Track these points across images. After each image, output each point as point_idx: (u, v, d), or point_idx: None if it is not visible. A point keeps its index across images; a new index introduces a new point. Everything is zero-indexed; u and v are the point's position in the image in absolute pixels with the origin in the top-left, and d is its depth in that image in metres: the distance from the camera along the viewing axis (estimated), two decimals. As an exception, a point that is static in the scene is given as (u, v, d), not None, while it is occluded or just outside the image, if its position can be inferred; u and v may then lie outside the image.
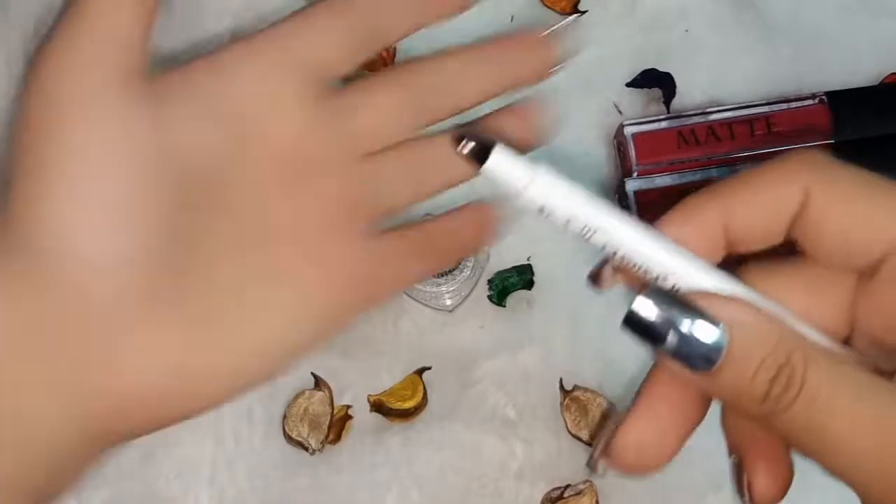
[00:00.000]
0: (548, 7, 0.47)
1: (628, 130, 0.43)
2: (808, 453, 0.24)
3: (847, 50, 0.46)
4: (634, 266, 0.26)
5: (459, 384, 0.44)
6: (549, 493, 0.43)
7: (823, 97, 0.44)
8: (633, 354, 0.45)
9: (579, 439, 0.43)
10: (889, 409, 0.24)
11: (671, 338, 0.24)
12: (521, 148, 0.29)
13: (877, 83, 0.46)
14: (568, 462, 0.43)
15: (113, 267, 0.27)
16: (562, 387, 0.44)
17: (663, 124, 0.44)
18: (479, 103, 0.33)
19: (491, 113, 0.34)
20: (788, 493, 0.27)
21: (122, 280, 0.27)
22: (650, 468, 0.27)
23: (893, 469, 0.23)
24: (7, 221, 0.27)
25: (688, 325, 0.24)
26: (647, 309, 0.25)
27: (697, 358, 0.24)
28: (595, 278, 0.28)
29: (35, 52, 0.28)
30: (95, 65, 0.28)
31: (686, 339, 0.24)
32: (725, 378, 0.24)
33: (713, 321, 0.24)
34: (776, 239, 0.27)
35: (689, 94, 0.46)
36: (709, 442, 0.45)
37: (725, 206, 0.26)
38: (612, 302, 0.45)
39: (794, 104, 0.44)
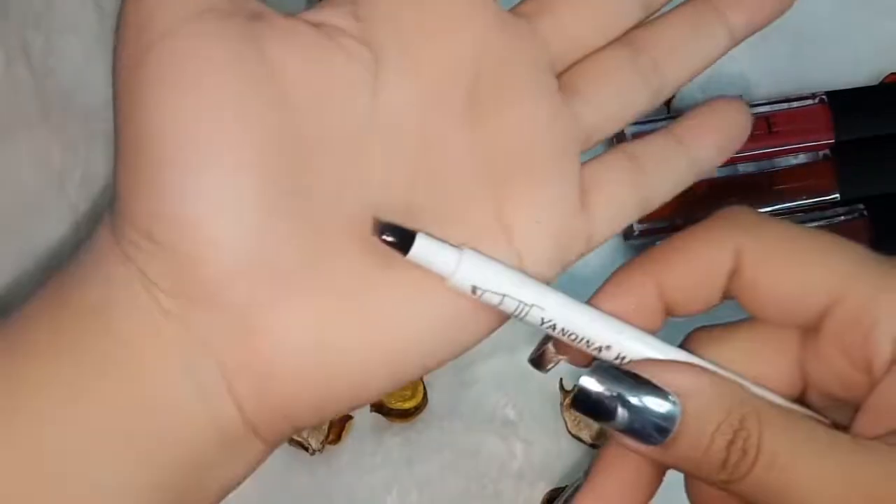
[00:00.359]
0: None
1: (628, 131, 0.43)
2: None
3: (847, 50, 0.46)
4: (575, 338, 0.26)
5: (459, 384, 0.44)
6: (549, 493, 0.43)
7: (823, 97, 0.44)
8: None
9: (580, 440, 0.43)
10: (851, 461, 0.23)
11: (621, 413, 0.24)
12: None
13: (877, 83, 0.46)
14: (568, 463, 0.43)
15: (238, 240, 0.24)
16: (562, 387, 0.44)
17: (663, 125, 0.44)
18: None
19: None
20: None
21: (250, 253, 0.24)
22: None
23: None
24: (122, 197, 0.25)
25: (637, 399, 0.24)
26: (593, 385, 0.24)
27: (650, 431, 0.24)
28: (537, 360, 0.27)
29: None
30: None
31: (636, 413, 0.24)
32: (681, 448, 0.24)
33: (662, 391, 0.24)
34: (713, 300, 0.26)
35: (689, 94, 0.46)
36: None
37: (657, 275, 0.26)
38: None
39: (794, 104, 0.44)
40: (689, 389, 0.24)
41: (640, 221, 0.44)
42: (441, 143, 0.27)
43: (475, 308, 0.26)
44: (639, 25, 0.30)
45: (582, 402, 0.24)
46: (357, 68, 0.26)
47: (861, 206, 0.43)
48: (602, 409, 0.24)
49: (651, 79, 0.30)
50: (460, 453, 0.43)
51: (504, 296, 0.25)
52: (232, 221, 0.24)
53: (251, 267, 0.24)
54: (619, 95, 0.29)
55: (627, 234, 0.44)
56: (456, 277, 0.25)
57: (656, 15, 0.30)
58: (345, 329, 0.25)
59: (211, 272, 0.24)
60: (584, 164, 0.29)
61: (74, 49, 0.46)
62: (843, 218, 0.43)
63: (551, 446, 0.43)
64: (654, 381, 0.24)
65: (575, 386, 0.24)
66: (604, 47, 0.29)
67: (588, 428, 0.43)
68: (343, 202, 0.26)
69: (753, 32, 0.31)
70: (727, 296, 0.27)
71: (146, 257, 0.24)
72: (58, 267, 0.46)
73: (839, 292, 0.25)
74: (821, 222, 0.43)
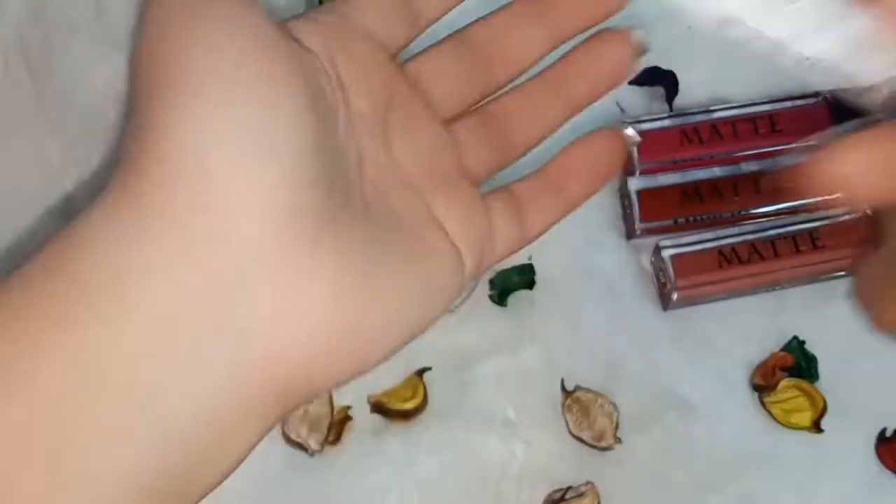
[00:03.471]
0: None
1: (631, 132, 0.43)
2: None
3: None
4: None
5: (459, 384, 0.44)
6: (550, 494, 0.43)
7: (827, 95, 0.43)
8: (636, 354, 0.44)
9: (581, 440, 0.43)
10: None
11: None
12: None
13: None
14: (570, 464, 0.43)
15: (262, 206, 0.23)
16: (563, 387, 0.43)
17: (666, 122, 0.44)
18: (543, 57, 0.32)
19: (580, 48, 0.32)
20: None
21: (269, 221, 0.23)
22: None
23: None
24: (137, 153, 0.24)
25: None
26: None
27: None
28: None
29: None
30: None
31: None
32: None
33: None
34: None
35: (692, 92, 0.46)
36: (709, 442, 0.45)
37: None
38: (615, 302, 0.45)
39: (797, 102, 0.44)
40: None
41: (643, 220, 0.43)
42: (378, 157, 0.28)
43: (456, 264, 0.28)
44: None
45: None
46: (334, 83, 0.27)
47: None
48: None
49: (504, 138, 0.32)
50: (460, 454, 0.43)
51: None
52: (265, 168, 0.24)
53: (285, 217, 0.24)
54: (490, 139, 0.31)
55: (630, 233, 0.44)
56: None
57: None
58: (362, 296, 0.25)
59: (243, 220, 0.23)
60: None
61: (73, 47, 0.46)
62: (845, 217, 0.43)
63: (552, 447, 0.43)
64: None
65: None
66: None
67: (589, 429, 0.43)
68: (351, 178, 0.26)
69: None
70: None
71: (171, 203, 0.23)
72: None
73: None
74: (824, 221, 0.43)
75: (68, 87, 0.46)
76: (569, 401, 0.43)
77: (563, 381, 0.43)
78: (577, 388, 0.44)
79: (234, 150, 0.23)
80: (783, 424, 0.43)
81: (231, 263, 0.23)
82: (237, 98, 0.24)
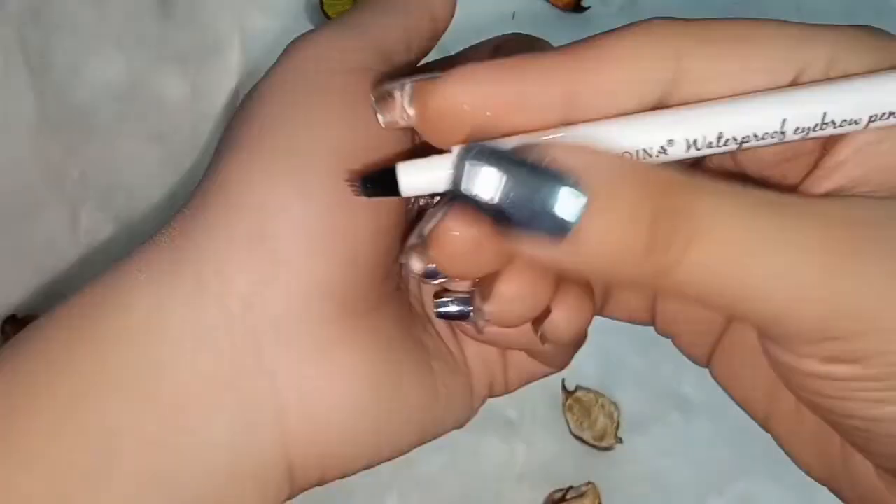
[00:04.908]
0: (551, 3, 0.46)
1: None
2: (721, 307, 0.19)
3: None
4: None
5: (460, 384, 0.44)
6: (551, 494, 0.43)
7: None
8: (637, 354, 0.44)
9: (582, 440, 0.43)
10: (827, 214, 0.19)
11: (510, 202, 0.18)
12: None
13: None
14: (570, 463, 0.43)
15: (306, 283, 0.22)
16: (564, 387, 0.43)
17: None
18: None
19: None
20: None
21: (309, 299, 0.22)
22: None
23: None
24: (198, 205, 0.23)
25: (527, 185, 0.18)
26: (477, 179, 0.18)
27: (548, 225, 0.18)
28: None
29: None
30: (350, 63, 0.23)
31: (529, 203, 0.18)
32: (591, 241, 0.18)
33: (556, 173, 0.18)
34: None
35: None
36: (710, 443, 0.45)
37: (568, 83, 0.20)
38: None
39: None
40: (592, 167, 0.18)
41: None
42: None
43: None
44: None
45: (462, 198, 0.19)
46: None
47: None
48: (488, 208, 0.19)
49: None
50: (461, 454, 0.43)
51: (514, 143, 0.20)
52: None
53: (324, 299, 0.23)
54: None
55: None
56: (461, 176, 0.19)
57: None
58: (388, 387, 0.24)
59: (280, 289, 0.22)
60: None
61: (72, 46, 0.46)
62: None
63: (553, 447, 0.43)
64: (552, 161, 0.18)
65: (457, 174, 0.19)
66: None
67: (590, 429, 0.43)
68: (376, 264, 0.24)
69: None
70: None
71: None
72: (55, 264, 0.46)
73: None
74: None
75: (68, 87, 0.46)
76: (570, 401, 0.43)
77: (563, 381, 0.43)
78: (578, 388, 0.43)
79: (292, 233, 0.22)
80: (784, 424, 0.43)
81: (259, 333, 0.23)
82: (311, 189, 0.22)
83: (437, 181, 0.20)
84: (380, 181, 0.21)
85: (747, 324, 0.20)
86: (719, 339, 0.25)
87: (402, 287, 0.25)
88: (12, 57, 0.45)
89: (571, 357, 0.28)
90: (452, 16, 0.26)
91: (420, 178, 0.21)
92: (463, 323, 0.25)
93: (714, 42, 0.21)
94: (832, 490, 0.24)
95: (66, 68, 0.46)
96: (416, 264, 0.22)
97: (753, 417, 0.25)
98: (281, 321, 0.22)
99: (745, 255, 0.19)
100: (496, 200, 0.18)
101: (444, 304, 0.25)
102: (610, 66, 0.20)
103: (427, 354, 0.25)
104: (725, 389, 0.26)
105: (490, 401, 0.43)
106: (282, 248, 0.22)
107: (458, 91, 0.20)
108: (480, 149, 0.19)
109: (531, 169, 0.18)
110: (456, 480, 0.43)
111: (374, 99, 0.21)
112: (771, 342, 0.21)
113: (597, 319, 0.46)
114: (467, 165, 0.18)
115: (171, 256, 0.23)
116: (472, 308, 0.25)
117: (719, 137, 0.20)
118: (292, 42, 0.24)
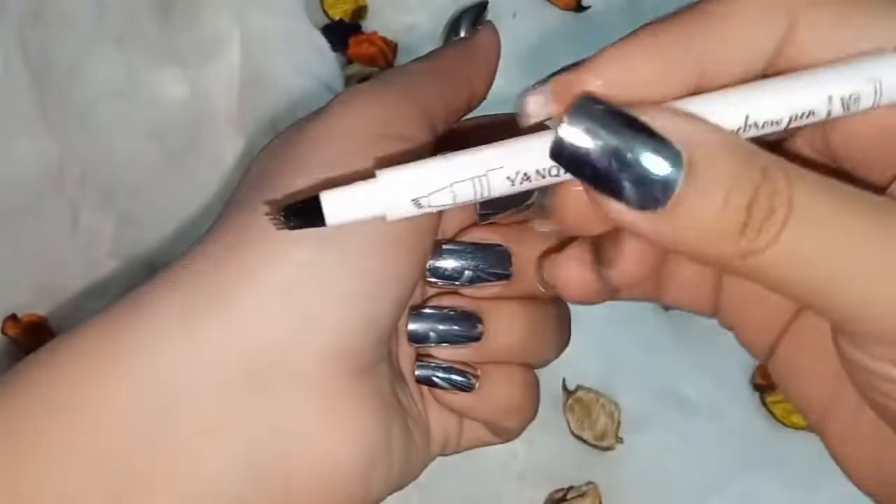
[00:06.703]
0: (551, 3, 0.46)
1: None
2: (801, 295, 0.19)
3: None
4: (558, 173, 0.20)
5: (461, 384, 0.44)
6: (551, 494, 0.43)
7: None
8: (637, 354, 0.44)
9: (582, 440, 0.43)
10: None
11: (613, 169, 0.18)
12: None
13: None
14: (571, 463, 0.43)
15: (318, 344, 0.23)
16: (564, 387, 0.43)
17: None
18: None
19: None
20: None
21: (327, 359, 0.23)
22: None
23: None
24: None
25: (630, 150, 0.18)
26: (575, 137, 0.18)
27: (649, 190, 0.18)
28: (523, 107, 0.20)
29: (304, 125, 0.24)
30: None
31: (630, 168, 0.18)
32: (687, 212, 0.18)
33: (662, 140, 0.18)
34: (750, 76, 0.21)
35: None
36: (709, 443, 0.45)
37: (694, 38, 0.20)
38: (616, 302, 0.45)
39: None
40: (694, 138, 0.18)
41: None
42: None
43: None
44: None
45: (563, 156, 0.19)
46: None
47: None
48: (587, 166, 0.18)
49: None
50: (461, 454, 0.43)
51: (452, 184, 0.20)
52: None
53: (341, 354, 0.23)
54: None
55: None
56: (391, 209, 0.20)
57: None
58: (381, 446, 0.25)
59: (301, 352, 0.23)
60: None
61: (72, 45, 0.46)
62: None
63: (554, 447, 0.43)
64: (653, 126, 0.18)
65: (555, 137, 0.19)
66: None
67: (591, 428, 0.43)
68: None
69: None
70: (767, 73, 0.21)
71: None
72: (55, 264, 0.46)
73: None
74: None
75: (68, 86, 0.46)
76: (570, 400, 0.43)
77: (564, 380, 0.43)
78: (579, 387, 0.43)
79: (323, 293, 0.23)
80: (784, 424, 0.43)
81: (274, 387, 0.23)
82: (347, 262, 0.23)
83: (362, 209, 0.20)
84: (303, 212, 0.21)
85: (822, 317, 0.20)
86: (784, 333, 0.25)
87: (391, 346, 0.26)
88: (12, 57, 0.45)
89: (521, 432, 0.29)
90: (488, 92, 0.25)
91: (345, 206, 0.20)
92: (435, 389, 0.26)
93: (826, 5, 0.20)
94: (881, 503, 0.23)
95: (66, 68, 0.46)
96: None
97: (807, 417, 0.24)
98: (300, 378, 0.23)
99: (835, 248, 0.18)
100: (594, 158, 0.18)
101: (426, 368, 0.26)
102: (734, 24, 0.20)
103: (406, 412, 0.26)
104: (782, 385, 0.25)
105: (490, 401, 0.43)
106: (314, 304, 0.22)
107: (603, 71, 0.19)
108: (583, 108, 0.19)
109: (633, 133, 0.18)
110: (456, 480, 0.43)
111: (517, 100, 0.21)
112: (846, 339, 0.20)
113: (597, 319, 0.46)
114: (568, 123, 0.18)
115: (195, 302, 0.22)
116: (450, 377, 0.26)
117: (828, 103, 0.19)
118: (342, 94, 0.24)
